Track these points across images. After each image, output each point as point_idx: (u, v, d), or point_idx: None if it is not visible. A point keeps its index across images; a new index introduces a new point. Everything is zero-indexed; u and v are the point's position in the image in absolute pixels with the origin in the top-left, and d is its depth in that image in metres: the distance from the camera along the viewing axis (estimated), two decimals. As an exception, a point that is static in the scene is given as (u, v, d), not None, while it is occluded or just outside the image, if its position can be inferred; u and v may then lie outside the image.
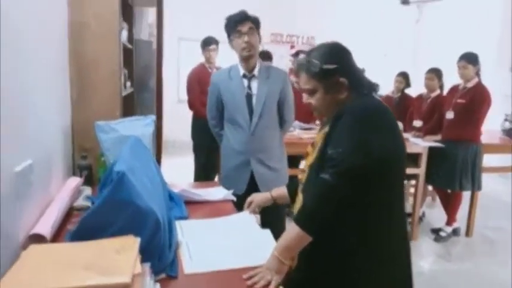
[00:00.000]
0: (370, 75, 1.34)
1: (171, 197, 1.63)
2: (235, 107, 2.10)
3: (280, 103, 2.15)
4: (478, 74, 3.25)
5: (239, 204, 1.65)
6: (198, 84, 3.67)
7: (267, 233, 1.40)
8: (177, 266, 1.12)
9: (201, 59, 3.87)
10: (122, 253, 0.89)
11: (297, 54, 3.88)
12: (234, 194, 1.78)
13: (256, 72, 2.10)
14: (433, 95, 3.73)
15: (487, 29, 5.62)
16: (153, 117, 1.83)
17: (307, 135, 3.24)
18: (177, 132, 5.38)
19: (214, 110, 2.23)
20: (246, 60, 2.07)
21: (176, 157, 5.00)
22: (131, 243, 0.94)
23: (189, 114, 4.05)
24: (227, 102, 2.13)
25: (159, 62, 2.94)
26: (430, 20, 7.16)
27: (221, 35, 3.95)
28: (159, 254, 1.08)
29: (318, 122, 3.97)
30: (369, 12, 7.11)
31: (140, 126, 1.77)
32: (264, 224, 2.25)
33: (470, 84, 3.26)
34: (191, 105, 3.76)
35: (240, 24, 2.00)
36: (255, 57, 2.08)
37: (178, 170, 3.88)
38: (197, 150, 3.82)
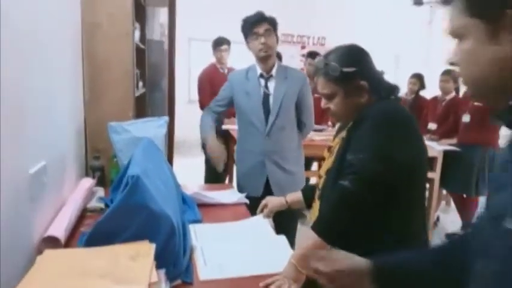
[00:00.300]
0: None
1: (184, 199, 1.60)
2: (250, 107, 2.06)
3: (298, 105, 2.10)
4: (457, 89, 3.25)
5: (255, 207, 1.62)
6: (209, 85, 3.65)
7: (283, 239, 1.36)
8: (192, 272, 1.09)
9: (212, 59, 3.85)
10: (137, 260, 0.86)
11: (309, 55, 3.84)
12: (249, 197, 1.75)
13: (273, 72, 2.07)
14: (448, 97, 3.67)
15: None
16: (166, 118, 1.81)
17: (320, 137, 3.20)
18: (187, 133, 5.36)
19: (221, 104, 2.18)
20: (263, 60, 2.04)
21: (187, 157, 5.00)
22: (147, 250, 0.91)
23: (199, 114, 4.04)
24: (241, 103, 2.09)
25: (171, 62, 2.93)
26: (442, 21, 7.06)
27: (232, 35, 3.97)
28: (174, 259, 1.05)
29: (330, 123, 3.93)
30: (380, 12, 7.03)
31: (153, 127, 1.75)
32: (276, 226, 2.24)
33: (448, 97, 3.25)
34: (202, 106, 3.73)
35: (257, 25, 1.96)
36: (272, 58, 2.05)
37: (189, 170, 3.87)
38: (207, 151, 3.80)
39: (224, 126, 3.57)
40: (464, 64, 0.64)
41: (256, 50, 2.01)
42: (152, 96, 3.35)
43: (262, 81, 2.07)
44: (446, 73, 3.65)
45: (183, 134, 5.51)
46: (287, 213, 2.17)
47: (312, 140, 3.11)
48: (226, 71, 3.75)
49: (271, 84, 2.06)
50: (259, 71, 2.08)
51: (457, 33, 0.64)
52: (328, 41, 7.01)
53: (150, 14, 3.35)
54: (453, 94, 3.67)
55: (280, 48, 5.00)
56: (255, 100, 2.05)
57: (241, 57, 4.68)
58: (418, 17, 7.19)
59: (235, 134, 3.33)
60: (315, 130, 3.46)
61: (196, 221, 1.47)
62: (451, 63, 0.66)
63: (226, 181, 3.91)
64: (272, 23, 1.99)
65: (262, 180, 2.08)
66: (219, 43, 3.71)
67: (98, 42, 1.80)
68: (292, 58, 6.77)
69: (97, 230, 0.98)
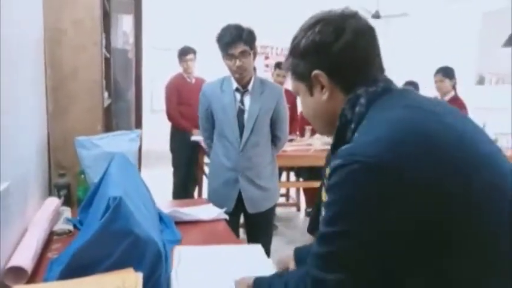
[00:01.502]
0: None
1: (161, 217, 1.51)
2: (225, 121, 2.01)
3: (273, 119, 2.08)
4: (454, 87, 3.34)
5: (229, 224, 1.57)
6: (177, 95, 3.56)
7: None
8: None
9: (176, 68, 3.76)
10: (124, 292, 0.78)
11: (277, 65, 3.85)
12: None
13: (250, 87, 2.01)
14: (447, 98, 3.39)
15: (450, 42, 5.86)
16: (139, 132, 1.72)
17: (291, 147, 3.20)
18: (151, 144, 5.20)
19: (205, 122, 2.13)
20: (237, 80, 1.98)
21: (151, 169, 4.81)
22: (133, 279, 0.83)
23: (163, 124, 3.93)
24: (217, 115, 2.03)
25: (138, 72, 2.82)
26: (397, 34, 7.40)
27: (198, 44, 3.91)
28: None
29: (298, 132, 3.95)
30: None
31: (125, 141, 1.65)
32: (248, 236, 2.19)
33: (447, 97, 3.34)
34: (170, 117, 3.63)
35: (232, 47, 1.85)
36: (248, 75, 1.99)
37: (155, 183, 3.71)
38: (176, 163, 3.69)
39: (193, 138, 3.49)
40: (304, 114, 0.89)
41: (231, 71, 1.95)
42: (116, 107, 3.20)
43: (238, 96, 2.01)
44: (439, 71, 3.45)
45: (147, 145, 5.33)
46: (260, 224, 2.15)
47: (283, 151, 3.09)
48: (193, 80, 3.68)
49: (247, 99, 2.01)
50: (234, 84, 2.01)
51: (295, 91, 0.89)
52: (291, 52, 7.11)
53: (113, 22, 3.21)
54: (452, 93, 3.42)
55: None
56: (229, 115, 1.99)
57: (208, 67, 4.65)
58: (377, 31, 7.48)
59: (205, 146, 3.27)
60: (285, 140, 3.46)
61: (176, 241, 1.38)
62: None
63: (196, 193, 3.81)
64: (249, 41, 1.88)
65: (234, 196, 2.04)
66: (185, 53, 3.64)
67: (63, 51, 1.68)
68: (256, 69, 6.80)
69: (74, 260, 0.88)
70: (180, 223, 1.53)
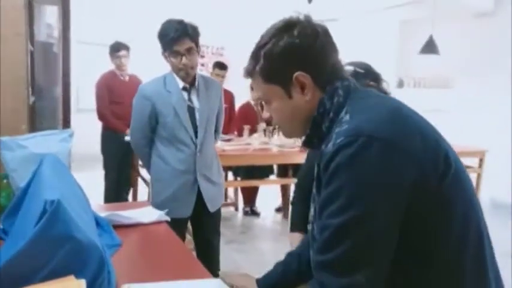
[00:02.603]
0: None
1: (97, 221, 1.43)
2: (177, 123, 1.87)
3: (216, 114, 2.07)
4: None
5: (180, 229, 1.51)
6: (108, 93, 3.38)
7: None
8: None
9: (105, 65, 3.57)
10: (67, 301, 0.73)
11: (217, 65, 3.84)
12: (178, 219, 1.63)
13: (196, 84, 1.94)
14: None
15: (373, 48, 6.31)
16: (71, 131, 1.60)
17: (230, 147, 3.21)
18: (77, 145, 4.86)
19: (146, 129, 1.92)
20: (182, 78, 1.89)
21: (78, 172, 4.50)
22: (76, 286, 0.78)
23: (90, 125, 3.72)
24: (166, 118, 1.86)
25: (65, 68, 2.62)
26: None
27: (130, 39, 3.75)
28: (103, 293, 0.92)
29: (236, 132, 3.98)
30: (276, 19, 7.41)
31: (55, 141, 1.53)
32: (197, 245, 2.14)
33: None
34: (101, 116, 3.43)
35: (177, 43, 1.76)
36: (193, 74, 1.90)
37: (83, 186, 3.50)
38: (108, 165, 3.50)
39: (127, 138, 3.33)
40: (276, 118, 0.87)
41: (176, 69, 1.86)
42: (40, 105, 2.94)
43: (186, 95, 1.92)
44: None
45: (73, 146, 4.99)
46: (214, 222, 2.12)
47: (223, 150, 3.10)
48: (127, 78, 3.51)
49: (194, 97, 1.94)
50: (180, 83, 1.90)
51: (264, 99, 0.87)
52: (227, 51, 7.13)
53: (36, 12, 2.95)
54: None
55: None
56: (182, 116, 1.88)
57: (142, 63, 4.46)
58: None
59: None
60: (223, 140, 3.47)
61: (116, 245, 1.32)
62: (268, 118, 0.94)
63: (130, 197, 3.65)
64: (193, 36, 1.81)
65: (193, 200, 1.95)
66: (116, 49, 3.46)
67: (-20, 42, 1.51)
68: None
69: (4, 273, 0.80)
70: (118, 227, 1.46)
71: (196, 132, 1.91)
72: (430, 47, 4.50)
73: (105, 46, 3.62)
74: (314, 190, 0.80)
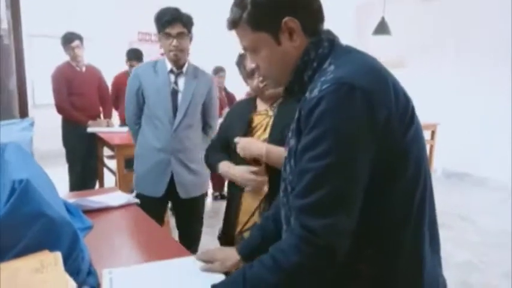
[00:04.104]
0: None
1: (67, 208, 1.44)
2: (158, 102, 1.97)
3: (205, 106, 2.11)
4: None
5: (154, 209, 1.55)
6: (66, 85, 3.28)
7: None
8: (96, 276, 1.01)
9: (59, 58, 3.46)
10: (45, 272, 0.77)
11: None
12: (148, 197, 1.67)
13: (184, 69, 2.01)
14: None
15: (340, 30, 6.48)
16: (31, 120, 1.58)
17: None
18: (36, 142, 4.71)
19: (135, 106, 2.06)
20: (173, 61, 1.97)
21: (40, 169, 4.37)
22: (52, 259, 0.81)
23: (48, 120, 3.63)
24: (149, 97, 1.99)
25: (19, 60, 2.52)
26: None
27: (84, 30, 3.63)
28: (78, 267, 0.96)
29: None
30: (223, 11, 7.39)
31: (16, 131, 1.51)
32: (180, 225, 2.17)
33: None
34: (60, 109, 3.33)
35: (169, 26, 1.86)
36: (183, 58, 1.99)
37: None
38: (71, 158, 3.42)
39: (89, 129, 3.28)
40: (265, 66, 0.87)
41: (167, 51, 1.93)
42: (-7, 99, 2.82)
43: (172, 77, 2.00)
44: None
45: (33, 143, 4.80)
46: (191, 211, 2.15)
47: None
48: (84, 69, 3.42)
49: (181, 81, 2.01)
50: (169, 66, 2.00)
51: (251, 48, 0.86)
52: (187, 40, 7.05)
53: (-19, 3, 2.80)
54: None
55: (138, 46, 4.80)
56: (163, 95, 1.97)
57: (102, 54, 4.33)
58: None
59: (104, 137, 3.11)
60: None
61: (87, 229, 1.34)
62: (253, 70, 0.93)
63: (97, 188, 3.60)
64: (187, 23, 1.91)
65: (165, 180, 2.00)
66: (69, 40, 3.34)
67: None
68: (150, 57, 6.56)
69: (-23, 251, 0.82)
70: (88, 212, 1.47)
71: (175, 114, 1.99)
72: (382, 28, 4.69)
73: (55, 38, 3.48)
74: (290, 135, 0.83)
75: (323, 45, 0.82)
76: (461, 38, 5.30)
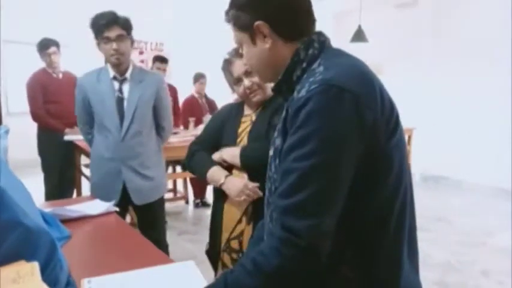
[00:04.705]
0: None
1: (43, 217, 1.40)
2: (104, 111, 1.95)
3: (155, 108, 2.08)
4: None
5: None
6: (42, 93, 3.21)
7: None
8: (74, 286, 0.99)
9: (33, 64, 3.38)
10: (21, 282, 0.74)
11: (157, 59, 3.79)
12: None
13: (128, 75, 1.98)
14: None
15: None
16: (6, 128, 1.53)
17: (176, 139, 3.21)
18: (10, 151, 4.56)
19: (84, 115, 2.04)
20: (115, 66, 1.94)
21: (14, 179, 4.23)
22: (28, 269, 0.79)
23: (23, 129, 3.53)
24: (95, 106, 1.97)
25: (-9, 66, 2.46)
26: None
27: (61, 37, 3.57)
28: (55, 278, 0.94)
29: (182, 126, 3.97)
30: (217, 15, 7.40)
31: (-11, 139, 1.47)
32: (141, 232, 2.15)
33: None
34: (35, 117, 3.25)
35: (108, 29, 1.83)
36: (125, 63, 1.97)
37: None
38: (47, 168, 3.32)
39: (66, 137, 3.21)
40: (247, 62, 0.94)
41: (108, 55, 1.90)
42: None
43: (116, 84, 1.97)
44: None
45: (7, 152, 4.65)
46: (150, 216, 2.13)
47: (169, 142, 3.09)
48: (60, 75, 3.36)
49: (126, 88, 1.98)
50: (111, 73, 1.97)
51: (239, 43, 0.92)
52: (166, 47, 7.02)
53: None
54: None
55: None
56: (108, 104, 1.94)
57: (76, 61, 4.26)
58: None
59: (81, 145, 3.05)
60: (169, 133, 3.46)
61: (64, 238, 1.31)
62: (240, 77, 1.00)
63: (74, 196, 3.51)
64: (125, 26, 1.89)
65: (117, 188, 1.98)
66: (45, 46, 3.27)
67: None
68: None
69: (-50, 262, 0.79)
70: (66, 222, 1.44)
71: (122, 122, 1.96)
72: (359, 36, 4.80)
73: (29, 45, 3.40)
74: (276, 134, 0.84)
75: (314, 46, 0.83)
76: (436, 43, 5.48)
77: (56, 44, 3.31)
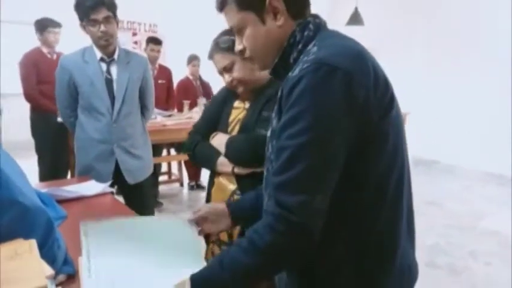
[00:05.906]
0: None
1: (39, 197, 1.41)
2: (93, 93, 1.93)
3: (141, 90, 2.09)
4: None
5: None
6: (36, 73, 3.17)
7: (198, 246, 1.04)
8: (72, 263, 1.00)
9: (27, 44, 3.33)
10: (19, 259, 0.76)
11: (151, 40, 3.74)
12: None
13: (115, 56, 1.97)
14: None
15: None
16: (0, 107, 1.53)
17: (171, 121, 3.21)
18: (3, 133, 4.53)
19: (68, 98, 1.99)
20: (103, 48, 1.92)
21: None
22: (26, 247, 0.81)
23: (21, 108, 3.49)
24: (83, 88, 1.93)
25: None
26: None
27: (54, 17, 3.51)
28: (53, 255, 0.95)
29: (176, 109, 3.95)
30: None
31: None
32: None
33: None
34: (28, 97, 3.22)
35: (94, 11, 1.79)
36: (113, 44, 1.94)
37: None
38: (41, 149, 3.31)
39: (60, 119, 3.18)
40: (250, 45, 0.87)
41: (95, 38, 1.88)
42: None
43: (104, 66, 1.96)
44: None
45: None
46: (140, 195, 2.14)
47: (164, 125, 3.10)
48: (55, 56, 3.31)
49: (114, 69, 1.98)
50: (98, 54, 1.95)
51: (238, 28, 0.87)
52: (160, 28, 6.91)
53: None
54: None
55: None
56: (98, 86, 1.93)
57: (63, 43, 4.20)
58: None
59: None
60: (164, 116, 3.45)
61: (60, 218, 1.33)
62: (240, 51, 0.90)
63: (69, 177, 3.51)
64: (111, 7, 1.85)
65: (110, 170, 2.00)
66: (46, 26, 3.24)
67: None
68: (124, 45, 6.40)
69: None
70: (62, 202, 1.45)
71: (113, 103, 1.96)
72: (355, 19, 4.75)
73: (23, 24, 3.34)
74: (273, 115, 0.83)
75: (309, 28, 0.83)
76: (431, 28, 5.46)
77: (59, 24, 3.29)
